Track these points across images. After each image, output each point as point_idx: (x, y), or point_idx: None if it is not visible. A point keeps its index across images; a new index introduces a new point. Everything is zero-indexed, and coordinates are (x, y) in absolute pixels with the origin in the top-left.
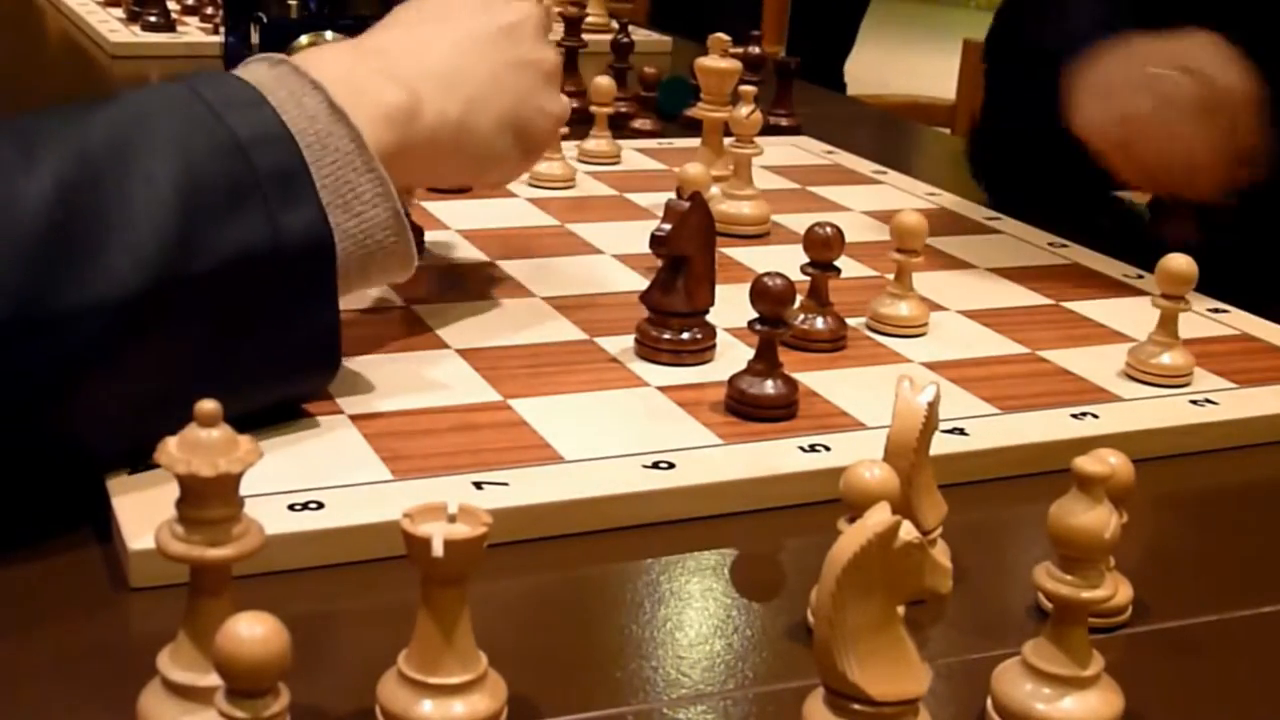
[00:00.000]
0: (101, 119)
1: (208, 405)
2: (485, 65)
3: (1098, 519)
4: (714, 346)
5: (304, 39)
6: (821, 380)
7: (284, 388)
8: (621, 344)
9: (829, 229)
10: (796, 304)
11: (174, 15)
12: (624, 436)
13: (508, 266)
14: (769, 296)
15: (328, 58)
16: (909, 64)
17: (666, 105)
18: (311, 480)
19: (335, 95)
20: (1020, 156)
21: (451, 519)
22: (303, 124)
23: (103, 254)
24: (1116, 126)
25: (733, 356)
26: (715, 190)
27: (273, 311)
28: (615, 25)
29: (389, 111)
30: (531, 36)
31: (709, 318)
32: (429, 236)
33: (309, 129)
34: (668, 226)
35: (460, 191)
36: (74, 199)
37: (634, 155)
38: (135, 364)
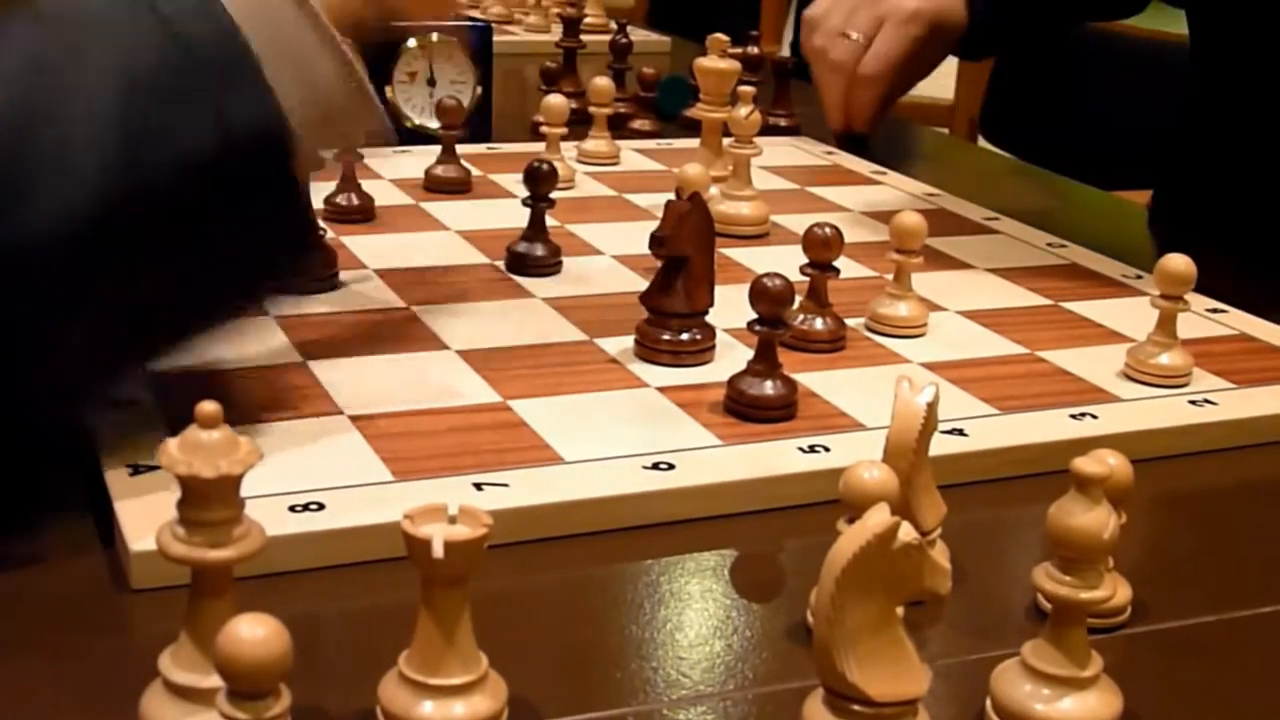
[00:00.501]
0: (21, 38)
1: (208, 407)
2: None
3: (1096, 520)
4: (713, 347)
5: None
6: (821, 381)
7: (260, 277)
8: (621, 345)
9: (828, 229)
10: (795, 304)
11: None
12: (624, 437)
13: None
14: (768, 297)
15: None
16: None
17: (665, 106)
18: (312, 481)
19: None
20: None
21: (452, 520)
22: None
23: (44, 184)
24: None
25: (732, 357)
26: (714, 191)
27: (233, 209)
28: (614, 26)
29: None
30: None
31: (708, 318)
32: (427, 238)
33: None
34: (667, 228)
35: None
36: (4, 129)
37: (633, 156)
38: (97, 291)
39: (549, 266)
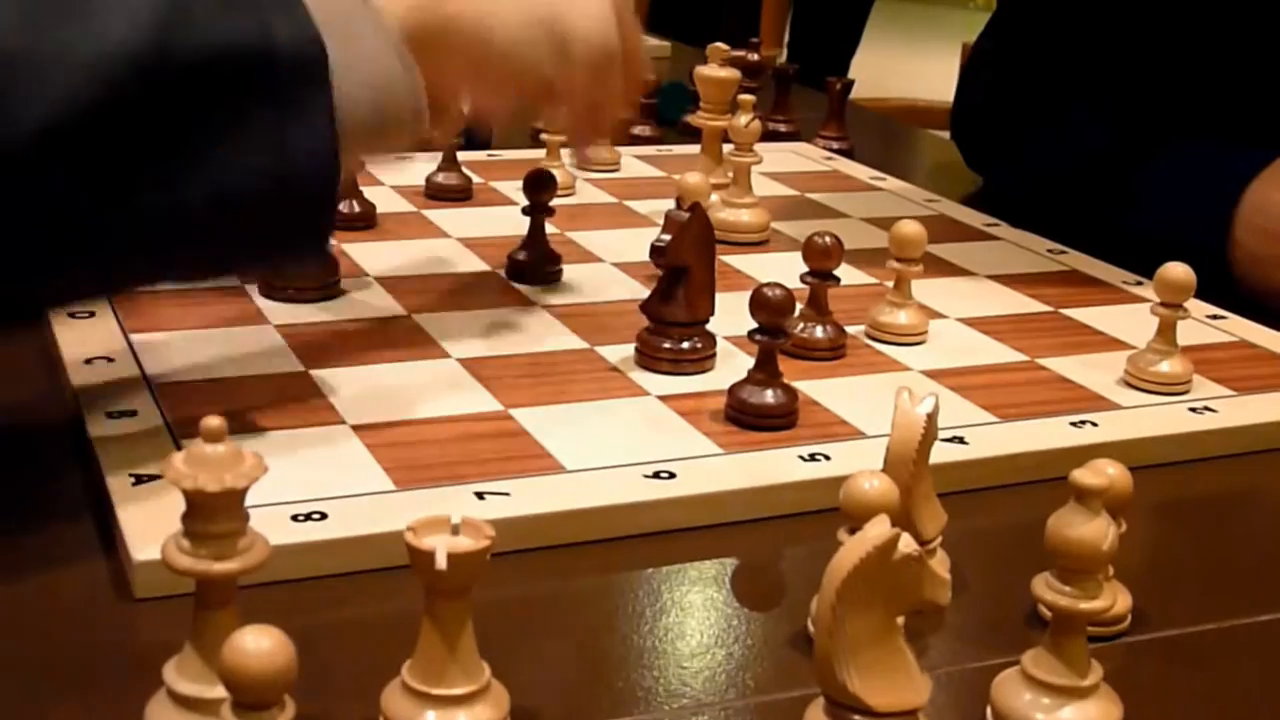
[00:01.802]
0: None
1: (213, 421)
2: None
3: (1096, 531)
4: (714, 355)
5: None
6: (821, 389)
7: (275, 214)
8: (622, 353)
9: (828, 239)
10: (796, 313)
11: None
12: (624, 446)
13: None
14: (768, 307)
15: None
16: (907, 66)
17: (666, 111)
18: (314, 490)
19: None
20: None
21: (455, 531)
22: None
23: (91, 13)
24: None
25: (733, 365)
26: (714, 198)
27: (264, 116)
28: None
29: None
30: None
31: (709, 325)
32: (428, 246)
33: None
34: (668, 237)
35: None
36: None
37: (633, 162)
38: (118, 137)
39: (549, 274)
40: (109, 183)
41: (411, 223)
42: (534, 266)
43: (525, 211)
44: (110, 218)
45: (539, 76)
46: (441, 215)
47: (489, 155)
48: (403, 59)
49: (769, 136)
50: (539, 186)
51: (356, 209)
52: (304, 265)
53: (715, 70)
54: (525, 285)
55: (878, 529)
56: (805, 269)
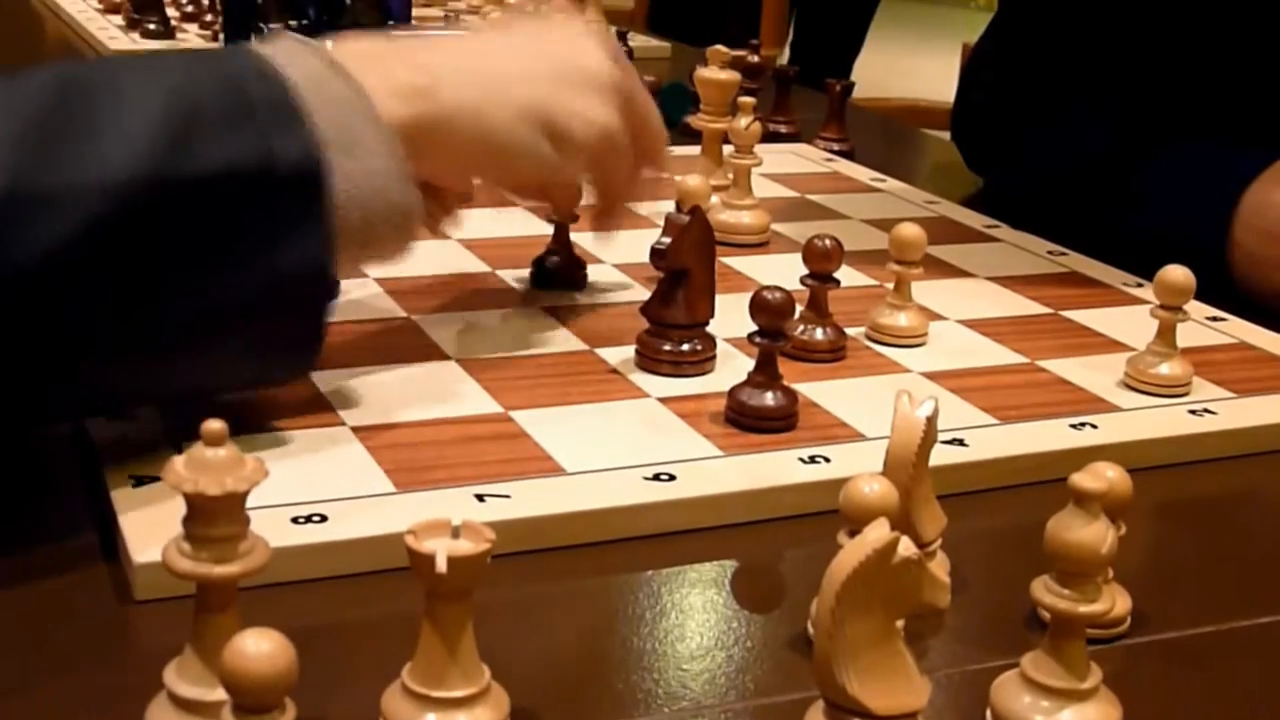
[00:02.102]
0: (88, 63)
1: (215, 425)
2: (518, 62)
3: (1094, 534)
4: (714, 358)
5: None
6: (821, 391)
7: (267, 330)
8: (622, 355)
9: (828, 241)
10: (796, 315)
11: (173, 22)
12: (624, 448)
13: (508, 276)
14: (768, 310)
15: (346, 40)
16: (908, 66)
17: (666, 113)
18: (314, 493)
19: (346, 64)
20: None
21: (455, 534)
22: (299, 74)
23: (96, 140)
24: None
25: (733, 367)
26: (715, 200)
27: (261, 235)
28: (614, 32)
29: (401, 87)
30: (585, 49)
31: (709, 327)
32: (428, 247)
33: (306, 77)
34: (668, 240)
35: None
36: (68, 95)
37: None
38: (120, 261)
39: (579, 279)
40: (110, 298)
41: None
42: (564, 271)
43: (550, 219)
44: (113, 331)
45: (538, 164)
46: None
47: None
48: (400, 165)
49: (769, 138)
50: None
51: None
52: (295, 378)
53: (715, 72)
54: (553, 290)
55: (877, 532)
56: (805, 271)
